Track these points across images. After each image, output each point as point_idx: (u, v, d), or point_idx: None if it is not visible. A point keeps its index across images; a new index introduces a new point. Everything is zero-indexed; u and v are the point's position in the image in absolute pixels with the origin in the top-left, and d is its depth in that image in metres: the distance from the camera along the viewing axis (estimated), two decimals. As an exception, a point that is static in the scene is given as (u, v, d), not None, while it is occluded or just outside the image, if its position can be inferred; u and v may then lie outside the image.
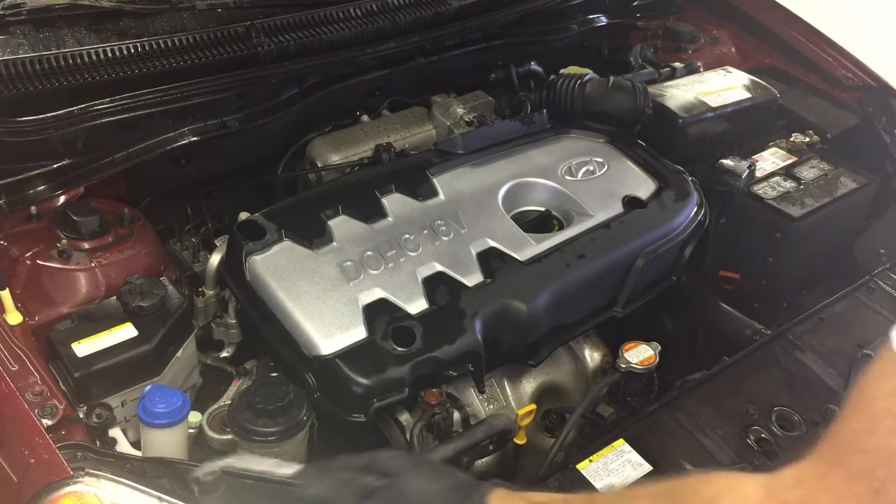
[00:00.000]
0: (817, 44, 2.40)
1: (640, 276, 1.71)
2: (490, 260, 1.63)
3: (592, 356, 1.76)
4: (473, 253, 1.64)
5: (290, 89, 1.89)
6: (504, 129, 1.99)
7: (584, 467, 1.41)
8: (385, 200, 1.72)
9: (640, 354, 1.65)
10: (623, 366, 1.63)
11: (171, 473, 1.21)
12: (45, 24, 1.68)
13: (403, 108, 2.13)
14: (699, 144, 2.07)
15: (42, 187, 1.61)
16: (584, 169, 1.89)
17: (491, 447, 1.52)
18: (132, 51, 1.66)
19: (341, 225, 1.65)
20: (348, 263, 1.57)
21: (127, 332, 1.46)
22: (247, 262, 1.57)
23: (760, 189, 1.99)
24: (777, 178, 2.03)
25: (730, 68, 2.31)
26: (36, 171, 1.60)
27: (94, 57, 1.62)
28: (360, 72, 1.99)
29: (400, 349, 1.45)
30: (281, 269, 1.55)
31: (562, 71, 2.23)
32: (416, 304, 1.54)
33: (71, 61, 1.60)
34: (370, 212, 1.69)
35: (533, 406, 1.57)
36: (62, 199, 1.63)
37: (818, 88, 2.35)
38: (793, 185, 2.01)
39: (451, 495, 1.07)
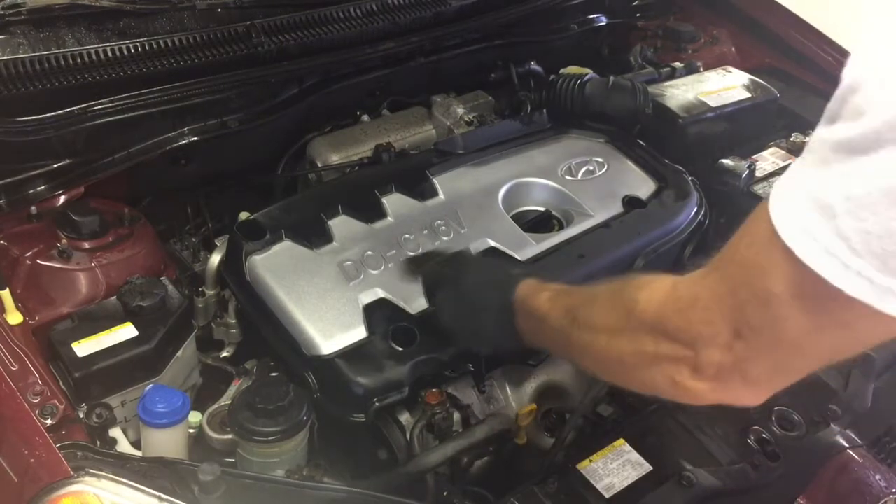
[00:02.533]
0: (817, 44, 2.39)
1: (640, 276, 1.71)
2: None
3: (593, 356, 1.76)
4: (474, 253, 1.64)
5: (290, 89, 1.88)
6: (504, 129, 1.99)
7: (584, 467, 1.41)
8: (385, 200, 1.72)
9: (640, 354, 1.65)
10: (623, 366, 1.62)
11: (171, 473, 1.21)
12: (45, 24, 1.68)
13: (403, 108, 2.13)
14: (699, 144, 2.07)
15: (42, 187, 1.60)
16: (584, 169, 1.89)
17: (491, 447, 1.53)
18: (132, 51, 1.66)
19: (341, 225, 1.65)
20: (348, 263, 1.57)
21: (127, 332, 1.45)
22: (247, 262, 1.57)
23: (760, 189, 1.98)
24: (777, 178, 2.02)
25: (730, 68, 2.31)
26: (36, 171, 1.60)
27: (94, 57, 1.62)
28: (360, 72, 1.99)
29: (400, 349, 1.45)
30: (281, 269, 1.55)
31: (562, 71, 2.22)
32: (416, 304, 1.53)
33: (71, 61, 1.60)
34: (370, 212, 1.69)
35: (533, 406, 1.56)
36: (62, 199, 1.63)
37: (818, 88, 2.34)
38: (793, 185, 2.00)
39: (493, 285, 1.34)
